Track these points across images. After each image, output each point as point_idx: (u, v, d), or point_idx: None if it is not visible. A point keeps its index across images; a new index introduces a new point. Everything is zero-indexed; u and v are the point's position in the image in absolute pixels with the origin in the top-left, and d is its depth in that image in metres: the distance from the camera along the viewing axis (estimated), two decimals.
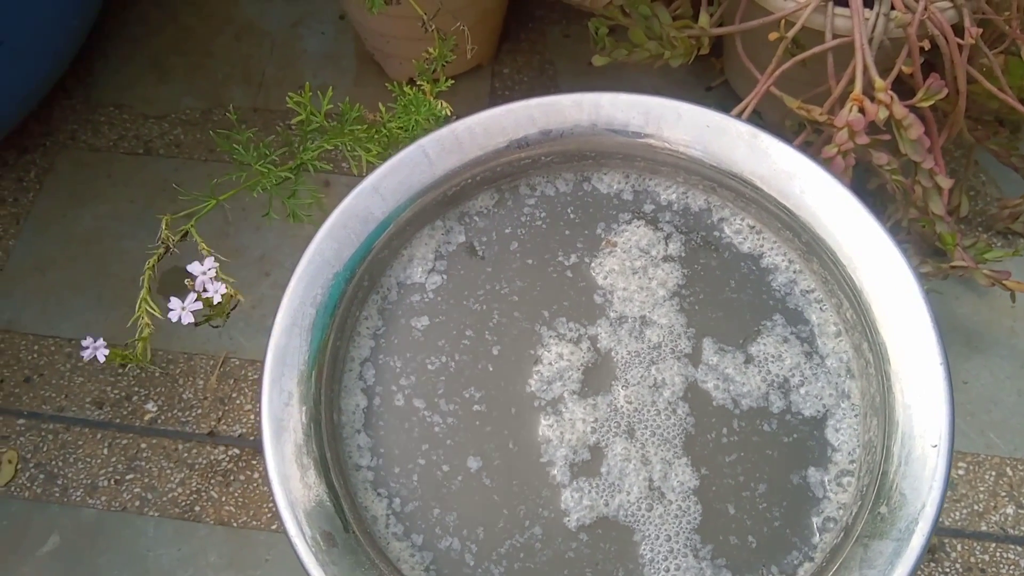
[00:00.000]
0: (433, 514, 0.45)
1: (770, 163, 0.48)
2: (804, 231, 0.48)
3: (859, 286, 0.45)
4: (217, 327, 0.48)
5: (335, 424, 0.46)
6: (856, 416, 0.46)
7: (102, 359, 0.53)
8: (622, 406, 0.47)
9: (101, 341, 0.54)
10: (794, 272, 0.50)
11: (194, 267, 0.52)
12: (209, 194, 0.57)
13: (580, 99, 0.50)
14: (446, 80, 0.67)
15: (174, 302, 0.51)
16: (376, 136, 0.60)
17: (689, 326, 0.49)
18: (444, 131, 0.49)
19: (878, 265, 0.45)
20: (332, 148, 0.60)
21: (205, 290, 0.51)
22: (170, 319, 0.52)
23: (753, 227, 0.51)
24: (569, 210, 0.53)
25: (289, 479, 0.41)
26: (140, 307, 0.53)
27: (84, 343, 0.54)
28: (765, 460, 0.46)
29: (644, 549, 0.44)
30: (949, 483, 0.40)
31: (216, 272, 0.51)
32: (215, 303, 0.50)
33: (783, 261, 0.50)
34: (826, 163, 0.70)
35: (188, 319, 0.51)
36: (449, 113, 0.65)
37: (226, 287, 0.48)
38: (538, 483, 0.46)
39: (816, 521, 0.44)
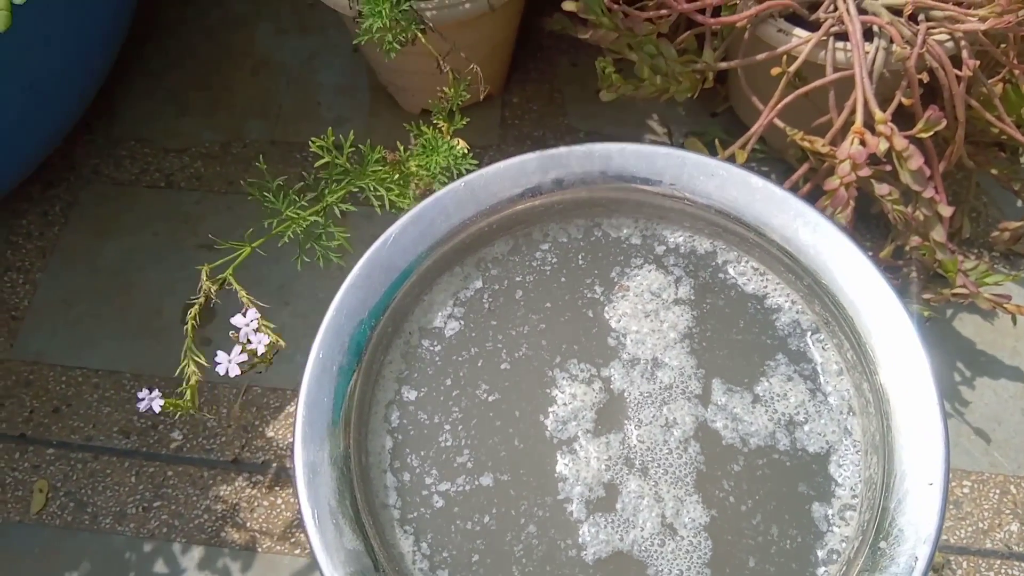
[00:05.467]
0: (456, 547, 0.48)
1: (772, 210, 0.51)
2: (806, 274, 0.50)
3: (859, 329, 0.48)
4: (260, 373, 0.51)
5: (363, 465, 0.49)
6: (858, 452, 0.48)
7: (157, 409, 0.56)
8: (635, 445, 0.50)
9: (156, 392, 0.57)
10: (797, 312, 0.52)
11: (237, 319, 0.54)
12: (244, 241, 0.60)
13: (590, 150, 0.53)
14: (461, 118, 0.69)
15: (220, 356, 0.54)
16: (398, 178, 0.62)
17: (699, 367, 0.52)
18: (459, 184, 0.52)
19: (877, 310, 0.47)
20: (356, 190, 0.63)
21: (249, 341, 0.54)
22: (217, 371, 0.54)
23: (757, 269, 0.54)
24: (580, 256, 0.55)
25: (323, 521, 0.44)
26: (185, 356, 0.55)
27: (140, 395, 0.56)
28: (771, 495, 0.48)
29: None
30: (945, 516, 0.42)
31: (259, 323, 0.53)
32: (259, 353, 0.53)
33: (787, 302, 0.53)
34: (829, 195, 0.73)
35: (235, 371, 0.54)
36: (466, 151, 0.67)
37: (268, 337, 0.50)
38: (556, 518, 0.48)
39: (821, 554, 0.46)
